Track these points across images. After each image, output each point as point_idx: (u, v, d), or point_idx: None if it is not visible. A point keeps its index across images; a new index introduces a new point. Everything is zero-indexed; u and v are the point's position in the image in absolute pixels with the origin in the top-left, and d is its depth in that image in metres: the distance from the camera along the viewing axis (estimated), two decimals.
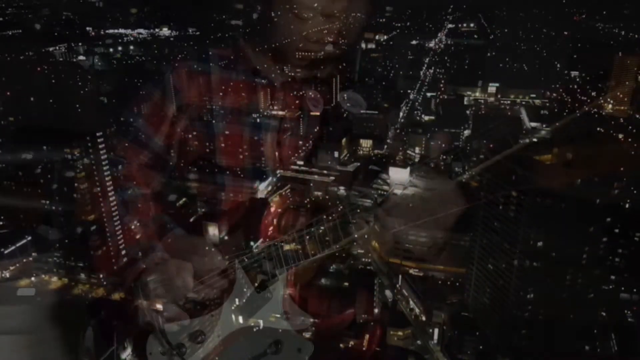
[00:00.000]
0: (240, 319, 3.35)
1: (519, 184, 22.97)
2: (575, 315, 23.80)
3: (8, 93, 36.99)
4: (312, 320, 3.71)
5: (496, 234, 24.42)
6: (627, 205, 26.35)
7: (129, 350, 17.44)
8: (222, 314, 3.31)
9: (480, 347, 24.40)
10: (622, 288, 26.19)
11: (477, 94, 47.93)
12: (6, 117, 35.00)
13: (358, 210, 3.56)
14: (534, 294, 23.83)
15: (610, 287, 26.01)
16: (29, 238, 31.28)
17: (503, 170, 24.01)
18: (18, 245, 31.30)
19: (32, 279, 31.03)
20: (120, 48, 60.75)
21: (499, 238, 24.38)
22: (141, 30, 63.52)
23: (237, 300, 3.33)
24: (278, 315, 3.41)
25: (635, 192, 27.44)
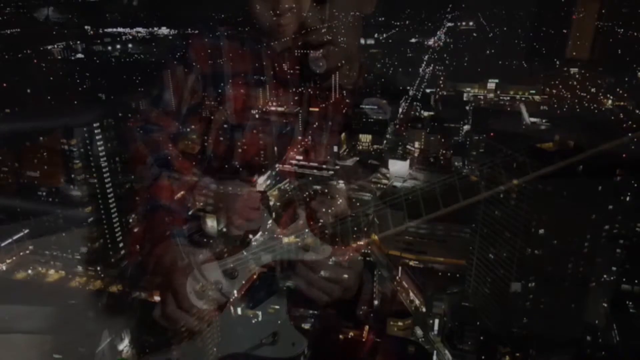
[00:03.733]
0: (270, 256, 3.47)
1: (519, 172, 22.86)
2: (577, 304, 23.67)
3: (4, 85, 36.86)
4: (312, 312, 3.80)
5: (497, 222, 24.30)
6: (628, 195, 26.23)
7: (126, 342, 17.20)
8: (253, 253, 3.41)
9: (481, 337, 24.24)
10: (624, 279, 26.07)
11: (477, 90, 47.98)
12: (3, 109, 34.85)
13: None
14: (535, 283, 23.69)
15: (612, 277, 25.89)
16: (26, 231, 31.10)
17: (503, 157, 23.96)
18: (15, 237, 31.14)
19: (29, 271, 30.88)
20: (118, 46, 60.87)
21: (499, 227, 24.26)
22: (140, 29, 63.67)
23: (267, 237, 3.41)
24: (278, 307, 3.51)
25: (635, 184, 27.34)
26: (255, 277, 4.11)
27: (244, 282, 3.69)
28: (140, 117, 4.14)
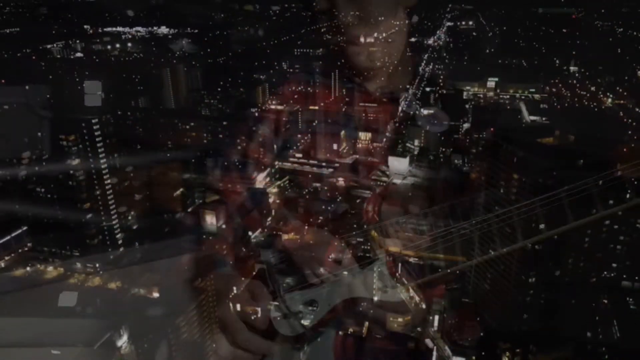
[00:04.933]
0: (348, 292, 4.14)
1: (520, 166, 22.86)
2: (578, 301, 23.62)
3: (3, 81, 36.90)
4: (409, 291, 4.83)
5: (497, 217, 24.15)
6: (628, 192, 26.02)
7: (125, 337, 17.55)
8: (333, 286, 4.03)
9: (481, 333, 24.18)
10: (624, 276, 26.02)
11: (476, 89, 48.00)
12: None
13: None
14: (535, 278, 23.62)
15: (612, 274, 25.84)
16: (25, 228, 31.06)
17: (504, 153, 23.93)
18: (13, 235, 31.08)
19: (28, 268, 30.82)
20: (118, 45, 60.96)
21: (500, 221, 24.12)
22: (139, 28, 63.82)
23: (346, 275, 4.06)
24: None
25: (635, 180, 27.20)
26: (254, 274, 4.46)
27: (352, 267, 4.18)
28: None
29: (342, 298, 4.11)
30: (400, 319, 24.85)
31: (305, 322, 4.19)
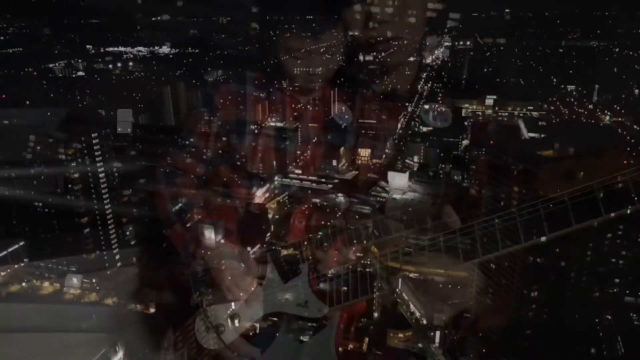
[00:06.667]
0: (270, 307, 4.25)
1: (520, 179, 22.76)
2: (581, 316, 23.31)
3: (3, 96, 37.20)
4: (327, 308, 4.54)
5: (498, 231, 23.96)
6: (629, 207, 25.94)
7: (120, 354, 16.92)
8: (255, 301, 4.22)
9: (484, 349, 23.72)
10: (627, 291, 25.78)
11: (475, 106, 48.19)
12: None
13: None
14: (538, 292, 23.34)
15: (615, 290, 25.58)
16: (22, 243, 30.84)
17: (503, 165, 23.85)
18: (10, 250, 30.82)
19: (23, 284, 30.48)
20: (119, 64, 61.74)
21: (500, 235, 23.95)
22: (141, 48, 64.68)
23: (268, 289, 4.23)
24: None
25: (635, 196, 27.13)
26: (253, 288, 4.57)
27: (275, 281, 4.33)
28: None
29: (263, 313, 4.19)
30: (401, 335, 24.48)
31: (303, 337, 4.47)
